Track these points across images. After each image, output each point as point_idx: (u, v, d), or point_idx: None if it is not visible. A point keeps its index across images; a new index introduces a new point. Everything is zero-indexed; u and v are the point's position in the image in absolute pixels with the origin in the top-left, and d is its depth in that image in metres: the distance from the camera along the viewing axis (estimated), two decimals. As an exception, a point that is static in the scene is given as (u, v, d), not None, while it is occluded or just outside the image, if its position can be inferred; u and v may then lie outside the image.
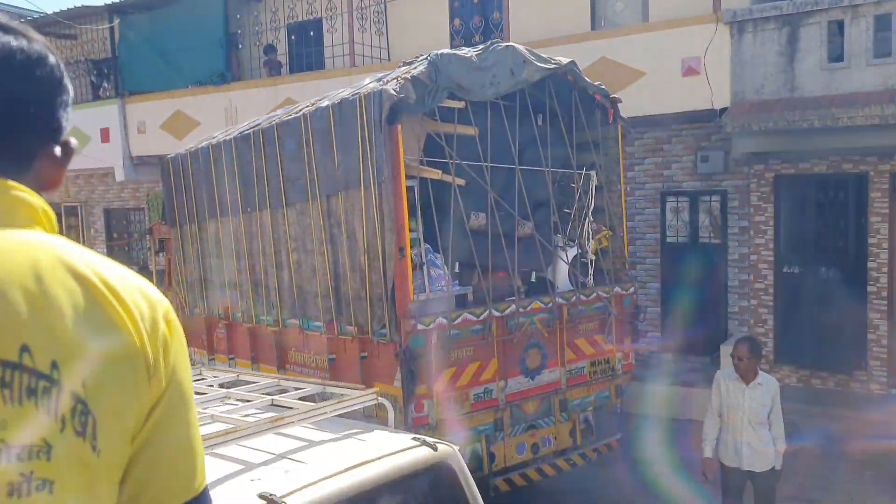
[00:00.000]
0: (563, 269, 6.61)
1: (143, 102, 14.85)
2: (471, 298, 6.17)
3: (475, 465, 6.00)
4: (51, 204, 1.14)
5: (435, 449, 3.51)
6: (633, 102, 8.94)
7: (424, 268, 5.83)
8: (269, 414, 3.79)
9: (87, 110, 15.07)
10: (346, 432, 3.78)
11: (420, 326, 5.59)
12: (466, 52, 6.00)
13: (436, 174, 5.85)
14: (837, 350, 10.31)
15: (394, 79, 5.74)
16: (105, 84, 15.50)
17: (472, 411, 5.94)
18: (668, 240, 11.67)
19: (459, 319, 5.79)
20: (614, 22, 12.12)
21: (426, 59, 5.86)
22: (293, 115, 6.71)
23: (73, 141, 1.20)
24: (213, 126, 12.05)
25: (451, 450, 3.62)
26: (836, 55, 9.86)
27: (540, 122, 6.45)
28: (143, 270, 11.30)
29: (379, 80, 6.14)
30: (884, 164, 9.87)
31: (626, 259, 7.02)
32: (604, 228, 6.81)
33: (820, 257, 10.61)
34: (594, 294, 6.60)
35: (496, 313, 5.97)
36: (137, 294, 1.13)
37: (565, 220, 6.65)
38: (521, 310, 6.09)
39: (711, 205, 11.57)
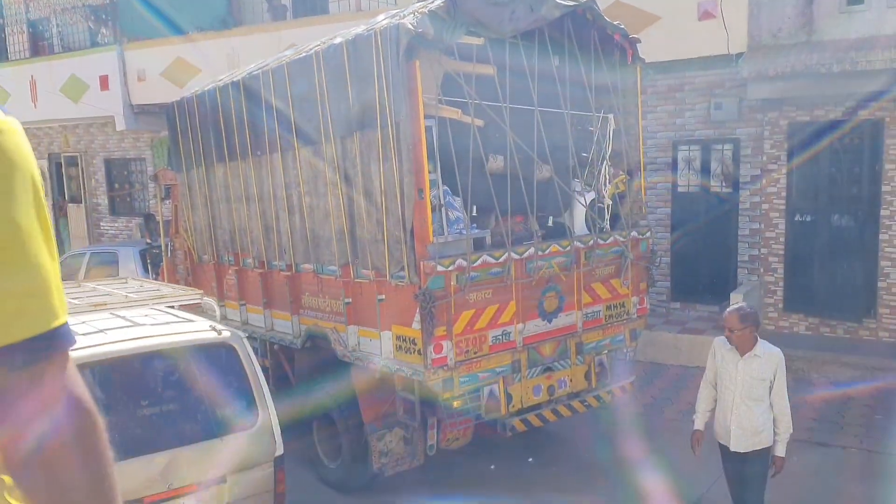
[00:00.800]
0: (580, 214, 6.55)
1: (143, 49, 14.55)
2: (489, 241, 6.13)
3: (493, 405, 6.03)
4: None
5: (220, 334, 4.88)
6: (648, 48, 8.72)
7: (442, 210, 5.76)
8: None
9: (85, 57, 14.81)
10: (168, 321, 5.13)
11: (439, 268, 5.54)
12: (486, -14, 5.85)
13: (455, 114, 5.74)
14: (847, 298, 10.31)
15: (410, 13, 5.60)
16: (103, 30, 15.20)
17: (491, 353, 5.94)
18: (680, 189, 11.60)
19: (479, 262, 5.75)
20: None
21: (443, -7, 5.72)
22: (304, 54, 6.58)
23: None
24: (215, 73, 11.82)
25: (235, 335, 4.93)
26: (857, -3, 9.69)
27: (557, 63, 6.32)
28: (149, 219, 11.20)
29: (393, 16, 5.99)
30: (903, 110, 9.76)
31: (643, 203, 6.95)
32: (621, 173, 6.74)
33: (832, 205, 10.53)
34: (611, 238, 6.56)
35: (515, 256, 5.93)
36: None
37: (582, 164, 6.57)
38: (539, 253, 6.05)
39: (724, 153, 11.46)
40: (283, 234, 7.16)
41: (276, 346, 7.64)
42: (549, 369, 6.32)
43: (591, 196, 6.57)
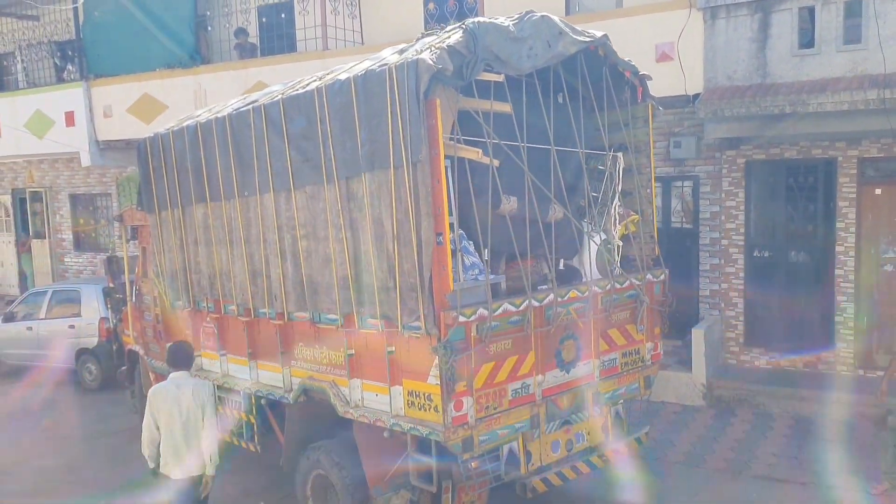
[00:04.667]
0: (590, 256, 5.84)
1: (109, 85, 13.58)
2: (503, 287, 5.34)
3: (513, 465, 5.21)
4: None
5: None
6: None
7: (458, 255, 4.96)
8: None
9: (51, 93, 13.87)
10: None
11: (461, 318, 4.74)
12: (502, 20, 5.12)
13: (475, 154, 4.98)
14: (806, 332, 10.11)
15: (427, 48, 4.83)
16: (69, 66, 14.14)
17: (510, 408, 5.14)
18: (642, 226, 11.12)
19: (500, 310, 4.98)
20: (588, 7, 11.47)
21: (460, 27, 4.97)
22: (302, 90, 5.73)
23: None
24: (182, 110, 10.94)
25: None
26: (807, 41, 9.47)
27: (569, 100, 5.61)
28: (111, 261, 10.04)
29: (401, 51, 5.22)
30: (852, 150, 9.56)
31: (656, 244, 6.28)
32: (632, 213, 6.06)
33: (789, 241, 10.37)
34: (627, 282, 5.86)
35: (535, 303, 5.17)
36: None
37: (593, 203, 5.87)
38: (559, 299, 5.29)
39: (683, 190, 11.17)
40: (273, 280, 6.23)
41: (262, 401, 6.65)
42: (566, 423, 5.56)
43: (600, 237, 5.85)
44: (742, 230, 10.49)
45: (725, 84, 9.95)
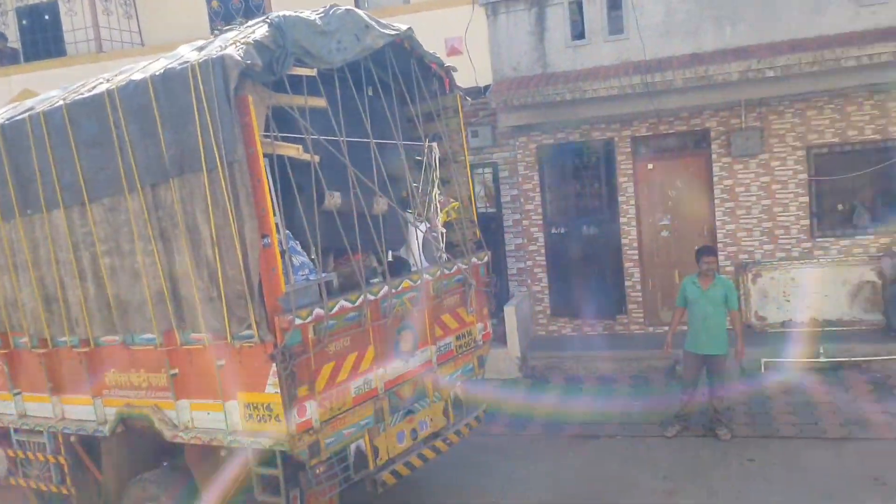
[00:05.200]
0: (417, 245, 5.86)
1: None
2: (336, 285, 5.20)
3: (361, 463, 5.10)
4: None
5: None
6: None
7: (287, 256, 4.74)
8: None
9: None
10: None
11: (297, 321, 4.54)
12: (308, 14, 4.96)
13: (294, 150, 4.77)
14: (602, 299, 10.85)
15: (231, 44, 4.55)
16: None
17: (354, 406, 5.02)
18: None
19: (336, 308, 4.83)
20: (377, 3, 11.52)
21: (265, 21, 4.75)
22: (89, 93, 5.16)
23: None
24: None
25: None
26: (579, 33, 10.19)
27: (381, 93, 5.58)
28: None
29: (201, 48, 4.88)
30: (626, 130, 10.43)
31: (476, 227, 6.43)
32: (451, 200, 6.16)
33: (581, 217, 11.10)
34: (455, 267, 5.94)
35: (371, 297, 5.08)
36: None
37: (415, 194, 5.88)
38: (393, 290, 5.25)
39: (485, 176, 11.59)
40: (72, 304, 5.59)
41: (72, 438, 5.96)
42: (409, 412, 5.54)
43: (424, 226, 5.89)
44: (540, 210, 11.11)
45: (512, 75, 10.48)
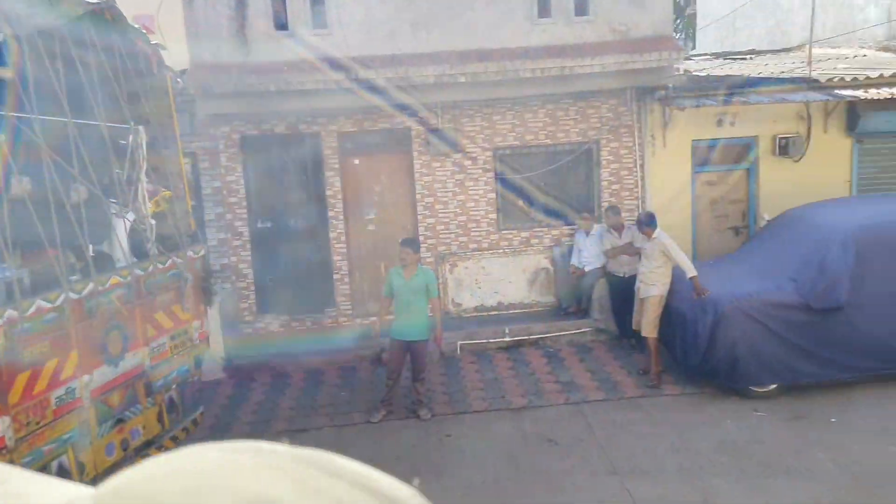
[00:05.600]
0: (123, 239, 5.33)
1: None
2: (27, 283, 4.53)
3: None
4: None
5: None
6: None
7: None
8: None
9: None
10: None
11: (-17, 327, 3.88)
12: (-10, -32, 4.24)
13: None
14: (311, 293, 10.95)
15: None
16: None
17: (55, 419, 4.43)
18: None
19: (32, 309, 4.21)
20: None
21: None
22: None
23: None
24: None
25: None
26: (282, 24, 10.13)
27: (84, 69, 4.97)
28: None
29: None
30: (332, 125, 10.64)
31: (191, 218, 6.02)
32: (162, 189, 5.69)
33: (289, 211, 11.03)
34: (169, 261, 5.50)
35: (74, 296, 4.51)
36: None
37: (119, 181, 5.34)
38: (100, 288, 4.72)
39: (184, 168, 10.87)
40: None
41: None
42: (120, 421, 5.03)
43: (130, 217, 5.39)
44: (245, 204, 10.79)
45: (211, 61, 10.01)
